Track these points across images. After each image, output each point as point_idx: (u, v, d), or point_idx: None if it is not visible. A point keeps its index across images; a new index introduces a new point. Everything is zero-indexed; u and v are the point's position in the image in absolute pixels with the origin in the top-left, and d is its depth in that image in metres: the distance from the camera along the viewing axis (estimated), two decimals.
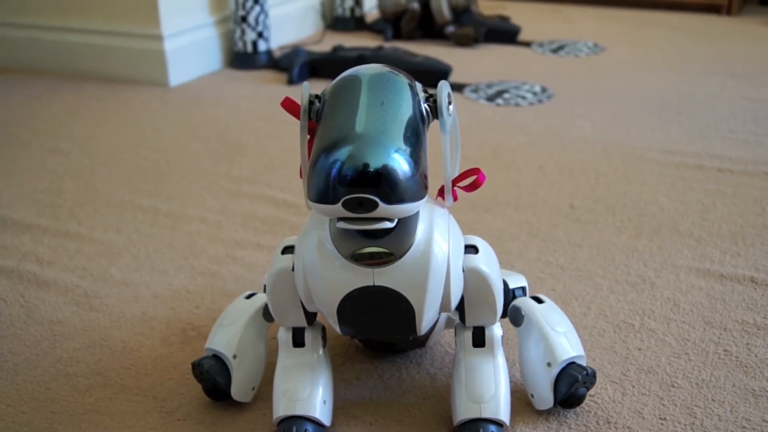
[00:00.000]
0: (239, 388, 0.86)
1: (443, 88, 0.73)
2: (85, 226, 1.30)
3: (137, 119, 1.81)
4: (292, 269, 0.78)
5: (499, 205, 1.34)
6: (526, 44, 2.40)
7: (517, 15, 2.78)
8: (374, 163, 0.66)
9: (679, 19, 2.73)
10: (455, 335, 0.84)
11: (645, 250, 1.19)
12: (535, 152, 1.57)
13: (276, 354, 0.85)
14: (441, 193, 0.78)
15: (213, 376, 0.85)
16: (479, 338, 0.82)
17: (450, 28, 2.39)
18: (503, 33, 2.42)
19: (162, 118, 1.81)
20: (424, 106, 0.73)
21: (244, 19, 2.14)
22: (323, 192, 0.68)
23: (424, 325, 0.78)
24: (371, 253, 0.73)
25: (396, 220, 0.71)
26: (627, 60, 2.23)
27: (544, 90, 1.95)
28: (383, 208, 0.68)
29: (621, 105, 1.84)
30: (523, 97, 1.89)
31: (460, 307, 0.81)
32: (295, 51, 2.18)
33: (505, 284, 0.90)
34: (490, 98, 1.89)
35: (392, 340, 0.91)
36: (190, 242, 1.24)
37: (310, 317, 0.83)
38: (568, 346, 0.84)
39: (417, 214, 0.75)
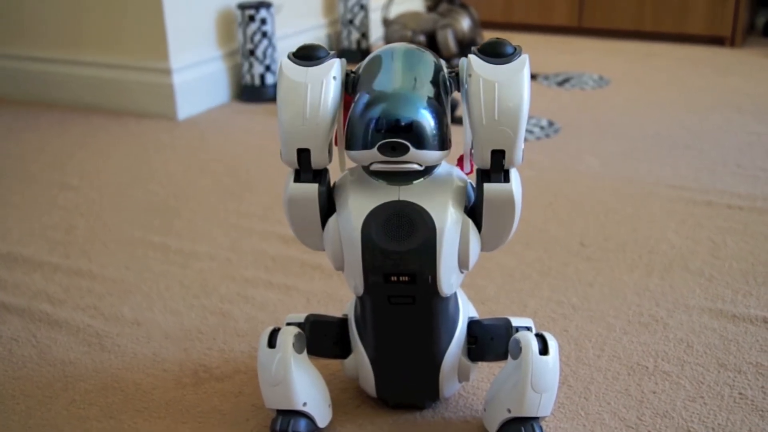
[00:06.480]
0: (322, 417, 0.89)
1: (464, 63, 0.81)
2: (96, 263, 1.30)
3: (146, 153, 1.81)
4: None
5: (510, 242, 1.33)
6: (532, 77, 2.41)
7: (522, 47, 2.80)
8: (406, 115, 0.77)
9: (684, 51, 2.74)
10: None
11: (657, 289, 1.19)
12: (545, 187, 1.57)
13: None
14: (460, 162, 0.85)
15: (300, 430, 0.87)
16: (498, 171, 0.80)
17: (456, 61, 2.40)
18: None
19: (170, 152, 1.81)
20: (448, 78, 0.82)
21: (252, 52, 2.15)
22: (363, 139, 0.78)
23: (443, 251, 0.80)
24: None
25: (423, 167, 0.80)
26: (633, 93, 2.23)
27: (551, 124, 1.96)
28: (413, 153, 0.77)
29: (628, 139, 1.85)
30: (531, 131, 1.90)
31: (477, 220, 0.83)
32: None
33: (508, 322, 0.90)
34: None
35: (410, 271, 0.83)
36: (201, 280, 1.24)
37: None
38: (537, 406, 0.84)
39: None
